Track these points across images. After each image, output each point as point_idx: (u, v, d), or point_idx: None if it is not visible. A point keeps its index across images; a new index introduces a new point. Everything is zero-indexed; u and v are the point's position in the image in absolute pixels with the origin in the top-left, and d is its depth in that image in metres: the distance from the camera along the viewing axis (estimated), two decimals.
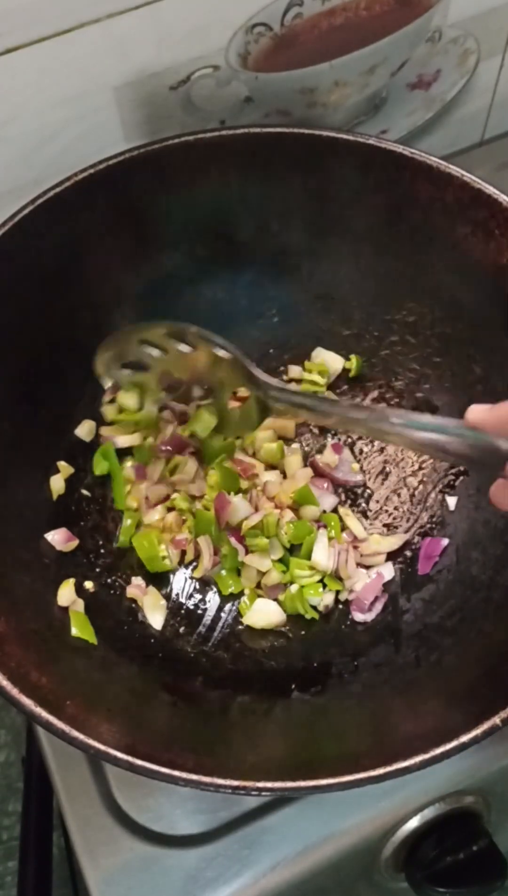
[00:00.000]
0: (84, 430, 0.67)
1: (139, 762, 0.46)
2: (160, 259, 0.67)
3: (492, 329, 0.64)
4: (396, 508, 0.68)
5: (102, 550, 0.65)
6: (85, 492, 0.66)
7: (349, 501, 0.68)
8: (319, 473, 0.68)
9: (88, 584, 0.62)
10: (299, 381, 0.71)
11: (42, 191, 0.60)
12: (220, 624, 0.63)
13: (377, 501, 0.68)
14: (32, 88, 0.63)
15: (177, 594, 0.65)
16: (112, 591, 0.63)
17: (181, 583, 0.65)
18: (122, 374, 0.60)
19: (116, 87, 0.66)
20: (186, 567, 0.65)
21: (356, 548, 0.65)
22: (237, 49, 0.67)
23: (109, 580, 0.64)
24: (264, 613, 0.63)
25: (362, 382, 0.71)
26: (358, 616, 0.63)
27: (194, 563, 0.65)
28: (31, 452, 0.63)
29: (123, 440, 0.67)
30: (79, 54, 0.62)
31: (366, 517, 0.68)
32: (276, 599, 0.63)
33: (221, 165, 0.64)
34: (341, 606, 0.64)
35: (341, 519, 0.66)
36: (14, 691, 0.47)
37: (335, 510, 0.67)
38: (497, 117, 0.87)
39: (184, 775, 0.46)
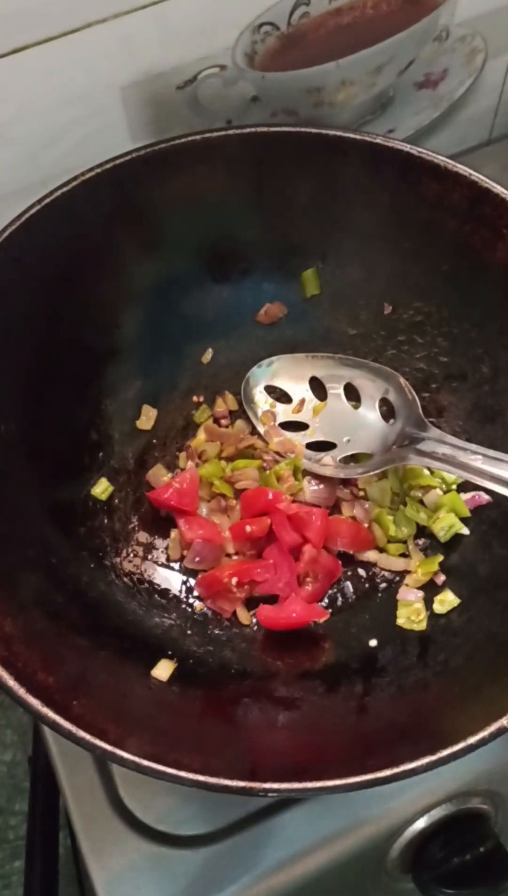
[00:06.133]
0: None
1: (146, 762, 0.46)
2: (167, 258, 0.67)
3: (500, 329, 0.64)
4: None
5: (110, 550, 0.65)
6: (93, 493, 0.66)
7: None
8: None
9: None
10: None
11: (49, 190, 0.60)
12: (227, 625, 0.63)
13: None
14: (39, 88, 0.63)
15: (184, 596, 0.65)
16: (119, 592, 0.63)
17: (190, 585, 0.65)
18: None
19: (122, 87, 0.66)
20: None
21: None
22: (244, 48, 0.67)
23: (115, 580, 0.64)
24: None
25: None
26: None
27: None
28: (38, 451, 0.63)
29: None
30: (85, 54, 0.62)
31: None
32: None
33: (227, 165, 0.64)
34: (349, 606, 0.64)
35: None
36: (21, 691, 0.47)
37: None
38: (505, 116, 0.86)
39: (190, 776, 0.45)
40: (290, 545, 0.63)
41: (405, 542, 0.66)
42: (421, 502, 0.66)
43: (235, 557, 0.65)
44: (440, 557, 0.64)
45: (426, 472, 0.67)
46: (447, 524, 0.64)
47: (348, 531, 0.65)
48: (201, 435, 0.69)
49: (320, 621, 0.62)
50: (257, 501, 0.64)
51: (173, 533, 0.66)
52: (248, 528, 0.64)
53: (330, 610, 0.63)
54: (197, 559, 0.64)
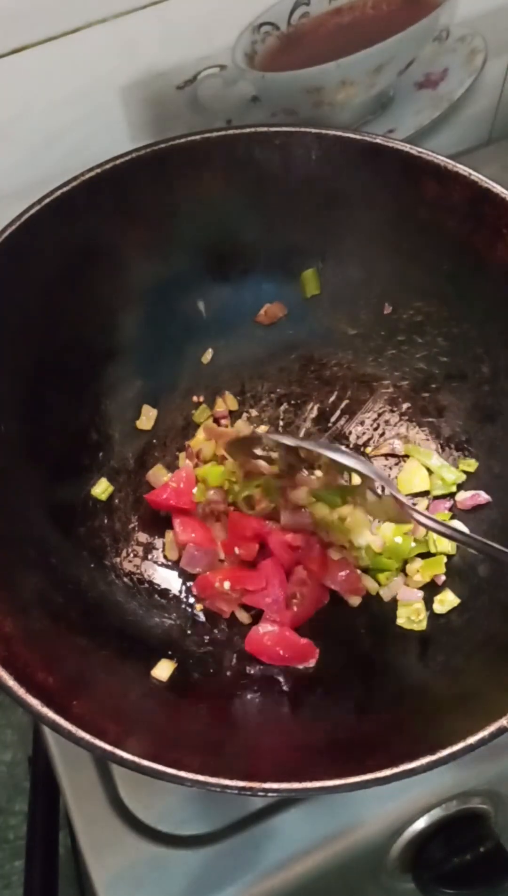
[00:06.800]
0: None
1: (145, 762, 0.46)
2: (167, 259, 0.67)
3: (500, 329, 0.64)
4: None
5: (110, 550, 0.65)
6: (93, 493, 0.66)
7: None
8: None
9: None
10: None
11: (49, 191, 0.60)
12: (226, 625, 0.63)
13: None
14: (39, 88, 0.63)
15: (184, 596, 0.65)
16: (119, 592, 0.63)
17: (189, 585, 0.65)
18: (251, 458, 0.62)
19: (122, 87, 0.66)
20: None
21: None
22: (244, 48, 0.67)
23: (115, 580, 0.64)
24: None
25: (369, 382, 0.71)
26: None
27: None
28: (38, 451, 0.63)
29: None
30: (86, 54, 0.62)
31: None
32: None
33: (227, 165, 0.64)
34: (349, 606, 0.64)
35: None
36: (21, 691, 0.47)
37: None
38: (505, 116, 0.86)
39: (190, 776, 0.45)
40: (286, 564, 0.62)
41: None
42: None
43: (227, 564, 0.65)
44: (444, 558, 0.64)
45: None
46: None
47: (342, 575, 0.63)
48: (201, 434, 0.69)
49: (308, 665, 0.61)
50: (245, 527, 0.64)
51: (169, 534, 0.66)
52: (237, 550, 0.63)
53: (319, 649, 0.61)
54: (190, 563, 0.64)
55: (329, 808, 0.60)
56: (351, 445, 0.70)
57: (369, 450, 0.70)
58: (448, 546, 0.63)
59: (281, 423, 0.71)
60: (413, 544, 0.64)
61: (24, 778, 1.22)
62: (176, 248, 0.67)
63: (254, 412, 0.71)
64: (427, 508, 0.66)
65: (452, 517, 0.65)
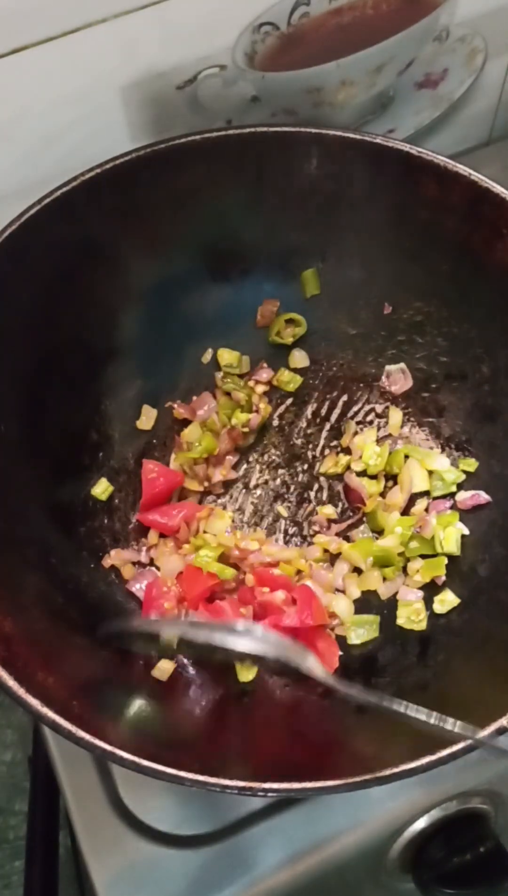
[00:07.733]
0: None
1: (145, 762, 0.46)
2: (167, 259, 0.67)
3: (500, 329, 0.64)
4: None
5: (110, 550, 0.65)
6: (93, 493, 0.66)
7: None
8: None
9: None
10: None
11: (49, 191, 0.60)
12: None
13: None
14: (39, 88, 0.63)
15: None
16: (119, 592, 0.63)
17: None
18: None
19: (122, 87, 0.66)
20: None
21: None
22: (244, 48, 0.67)
23: (115, 580, 0.64)
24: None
25: (369, 382, 0.71)
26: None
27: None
28: (38, 451, 0.63)
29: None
30: (85, 54, 0.62)
31: None
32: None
33: (227, 165, 0.64)
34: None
35: None
36: (20, 691, 0.47)
37: None
38: (505, 116, 0.86)
39: (190, 776, 0.45)
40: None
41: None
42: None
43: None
44: (445, 559, 0.64)
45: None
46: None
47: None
48: (192, 427, 0.69)
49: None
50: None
51: (162, 544, 0.66)
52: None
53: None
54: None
55: (329, 808, 0.60)
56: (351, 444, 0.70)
57: None
58: (453, 547, 0.63)
59: (282, 422, 0.71)
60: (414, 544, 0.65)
61: (24, 778, 1.22)
62: (176, 248, 0.67)
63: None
64: (427, 508, 0.66)
65: None
